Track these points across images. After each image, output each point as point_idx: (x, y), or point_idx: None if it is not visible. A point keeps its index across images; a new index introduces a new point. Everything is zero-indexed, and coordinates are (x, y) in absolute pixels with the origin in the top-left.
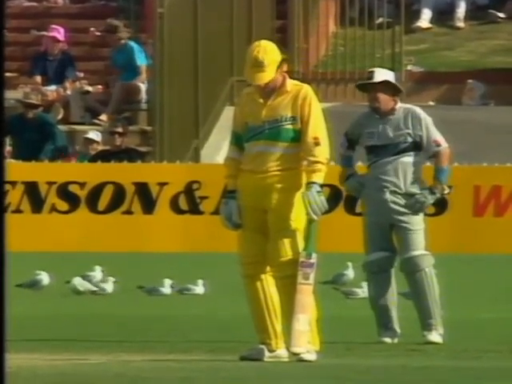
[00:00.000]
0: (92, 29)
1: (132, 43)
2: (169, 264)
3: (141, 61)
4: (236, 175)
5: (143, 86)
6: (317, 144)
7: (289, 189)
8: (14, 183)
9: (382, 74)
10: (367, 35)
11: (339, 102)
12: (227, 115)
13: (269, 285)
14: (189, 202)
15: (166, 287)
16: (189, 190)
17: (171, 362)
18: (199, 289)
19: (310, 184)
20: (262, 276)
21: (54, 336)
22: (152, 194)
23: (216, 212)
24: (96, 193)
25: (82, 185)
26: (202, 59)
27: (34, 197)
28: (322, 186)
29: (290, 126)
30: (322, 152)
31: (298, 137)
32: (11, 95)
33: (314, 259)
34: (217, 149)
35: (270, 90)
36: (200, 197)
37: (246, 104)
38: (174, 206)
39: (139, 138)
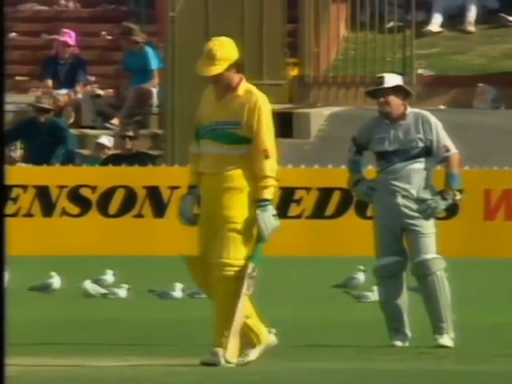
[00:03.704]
0: (103, 32)
1: (147, 47)
2: (180, 268)
3: (154, 65)
4: (196, 171)
5: (155, 90)
6: (266, 157)
7: (231, 190)
8: (25, 187)
9: (392, 79)
10: (378, 39)
11: (350, 105)
12: None
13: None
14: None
15: (177, 291)
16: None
17: (181, 367)
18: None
19: (261, 202)
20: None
21: (65, 340)
22: (163, 198)
23: None
24: (107, 196)
25: (93, 188)
26: None
27: (45, 200)
28: (271, 201)
29: (232, 131)
30: (271, 165)
31: (239, 140)
32: (22, 99)
33: (256, 272)
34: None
35: (224, 90)
36: None
37: (205, 101)
38: None
39: (150, 141)
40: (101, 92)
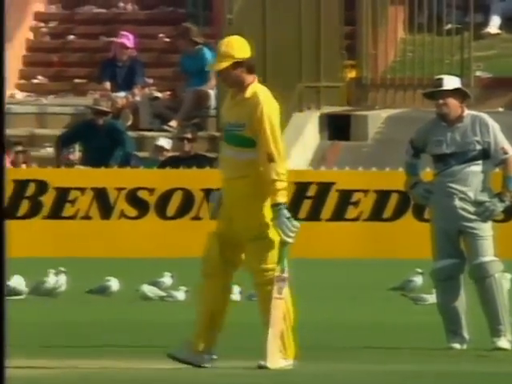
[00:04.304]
0: (161, 35)
1: (205, 49)
2: (237, 271)
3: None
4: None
5: (212, 92)
6: (270, 160)
7: (249, 197)
8: (83, 189)
9: (451, 81)
10: (436, 41)
11: (407, 108)
12: (296, 122)
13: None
14: None
15: (235, 293)
16: None
17: (237, 369)
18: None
19: (275, 207)
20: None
21: (123, 342)
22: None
23: None
24: (165, 199)
25: (150, 191)
26: (270, 65)
27: (103, 203)
28: (283, 204)
29: (238, 133)
30: (276, 168)
31: (246, 143)
32: (80, 101)
33: (286, 274)
34: (285, 155)
35: (236, 90)
36: None
37: (225, 102)
38: None
39: (208, 143)
40: (159, 94)
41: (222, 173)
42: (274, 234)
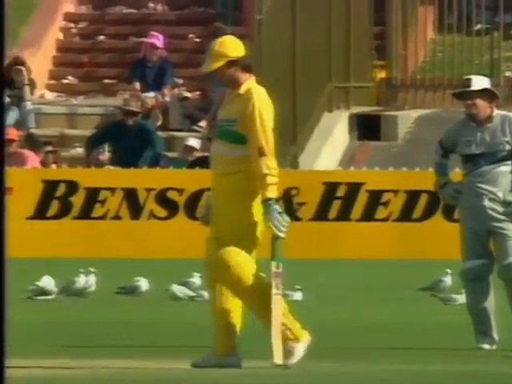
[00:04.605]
0: (191, 35)
1: None
2: (267, 270)
3: None
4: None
5: None
6: (261, 154)
7: (241, 192)
8: (113, 190)
9: (479, 82)
10: (465, 41)
11: (437, 108)
12: (325, 122)
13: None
14: (287, 208)
15: None
16: (287, 197)
17: (266, 369)
18: (297, 295)
19: (266, 202)
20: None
21: (152, 342)
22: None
23: (314, 218)
24: (194, 199)
25: (180, 191)
26: (299, 65)
27: (133, 203)
28: (276, 199)
29: (230, 128)
30: (267, 162)
31: (238, 139)
32: (110, 102)
33: (281, 269)
34: (315, 156)
35: (232, 89)
36: (298, 203)
37: (223, 102)
38: None
39: None
40: (188, 94)
41: (213, 170)
42: (258, 236)
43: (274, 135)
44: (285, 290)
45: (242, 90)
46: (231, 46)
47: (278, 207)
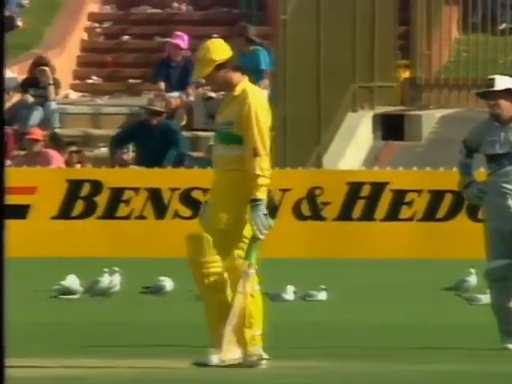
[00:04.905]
0: (215, 35)
1: (260, 49)
2: (291, 270)
3: (265, 66)
4: None
5: (266, 92)
6: (255, 155)
7: (234, 189)
8: (137, 189)
9: (503, 82)
10: (490, 41)
11: (461, 108)
12: (349, 122)
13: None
14: (311, 208)
15: (289, 293)
16: (311, 196)
17: (289, 369)
18: (322, 295)
19: (253, 202)
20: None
21: (178, 341)
22: (274, 200)
23: (338, 218)
24: None
25: (205, 191)
26: (324, 65)
27: (158, 203)
28: (263, 200)
29: (228, 130)
30: (260, 163)
31: (237, 140)
32: (135, 102)
33: (252, 270)
34: (339, 155)
35: (226, 91)
36: (322, 203)
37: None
38: (297, 212)
39: None
40: (213, 94)
41: (214, 169)
42: (237, 232)
43: (273, 134)
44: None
45: (237, 91)
46: (217, 50)
47: (264, 208)
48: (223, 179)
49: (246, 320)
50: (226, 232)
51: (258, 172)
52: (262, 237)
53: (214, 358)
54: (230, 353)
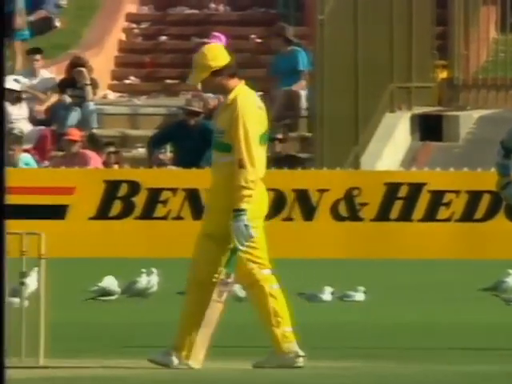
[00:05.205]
0: (253, 36)
1: (298, 49)
2: (329, 270)
3: (303, 66)
4: None
5: (303, 93)
6: (240, 166)
7: (214, 197)
8: (174, 190)
9: None
10: None
11: (499, 108)
12: (387, 122)
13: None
14: (349, 208)
15: (326, 294)
16: (349, 197)
17: (327, 369)
18: (359, 296)
19: (236, 212)
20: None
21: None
22: (312, 201)
23: (376, 219)
24: None
25: None
26: (361, 65)
27: (195, 203)
28: (245, 211)
29: (220, 139)
30: (246, 175)
31: (227, 149)
32: (173, 102)
33: (231, 279)
34: (377, 156)
35: (223, 97)
36: (360, 203)
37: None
38: (334, 213)
39: (299, 144)
40: None
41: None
42: (220, 239)
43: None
44: (343, 290)
45: (229, 100)
46: (213, 57)
47: (245, 219)
48: (218, 180)
49: (273, 319)
50: (214, 236)
51: (243, 183)
52: (241, 248)
53: (175, 359)
54: (195, 357)
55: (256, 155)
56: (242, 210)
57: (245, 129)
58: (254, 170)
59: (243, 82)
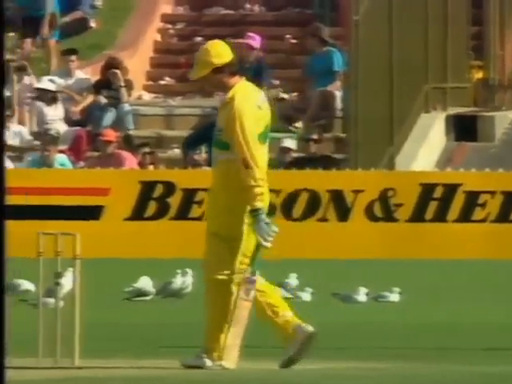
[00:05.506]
0: (288, 36)
1: (334, 50)
2: (364, 271)
3: (338, 67)
4: None
5: (338, 93)
6: (246, 166)
7: (215, 196)
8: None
9: None
10: None
11: None
12: (422, 123)
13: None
14: (383, 209)
15: (361, 294)
16: (384, 198)
17: (351, 370)
18: (394, 296)
19: (254, 212)
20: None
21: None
22: (347, 202)
23: (411, 219)
24: (291, 200)
25: (277, 192)
26: (396, 66)
27: None
28: (262, 209)
29: (219, 137)
30: (253, 174)
31: (226, 147)
32: (208, 103)
33: (255, 277)
34: (412, 157)
35: (224, 94)
36: (395, 204)
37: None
38: (369, 214)
39: (334, 145)
40: (285, 96)
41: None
42: (228, 237)
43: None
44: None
45: (228, 97)
46: (216, 53)
47: (265, 217)
48: (215, 183)
49: (269, 311)
50: (219, 235)
51: (252, 183)
52: (268, 245)
53: (208, 361)
54: (228, 357)
55: (256, 154)
56: (259, 209)
57: (242, 127)
58: (258, 167)
59: (244, 79)
